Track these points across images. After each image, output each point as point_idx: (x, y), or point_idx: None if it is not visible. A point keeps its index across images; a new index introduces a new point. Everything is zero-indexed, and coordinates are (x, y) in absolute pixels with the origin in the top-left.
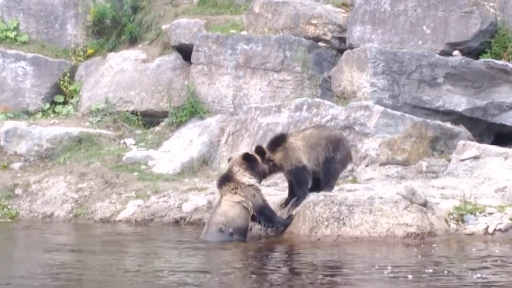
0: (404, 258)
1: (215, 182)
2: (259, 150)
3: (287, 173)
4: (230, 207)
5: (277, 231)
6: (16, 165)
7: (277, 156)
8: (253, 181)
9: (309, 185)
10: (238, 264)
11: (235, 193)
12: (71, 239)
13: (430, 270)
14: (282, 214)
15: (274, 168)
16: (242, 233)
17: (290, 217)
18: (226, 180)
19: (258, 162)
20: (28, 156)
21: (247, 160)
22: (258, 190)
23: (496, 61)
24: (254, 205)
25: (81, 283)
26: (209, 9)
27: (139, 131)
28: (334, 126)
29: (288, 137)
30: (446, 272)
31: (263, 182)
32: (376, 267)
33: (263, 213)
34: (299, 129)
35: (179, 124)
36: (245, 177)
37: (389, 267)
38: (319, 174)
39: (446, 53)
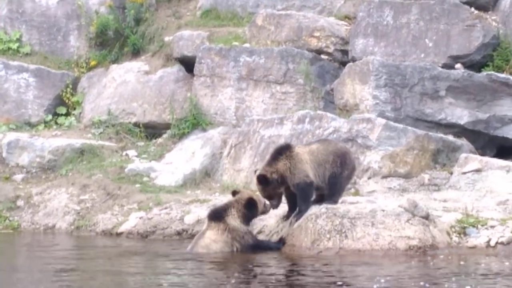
0: (402, 271)
1: (217, 194)
2: (261, 179)
3: (293, 186)
4: (213, 242)
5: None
6: (18, 177)
7: (280, 165)
8: (243, 228)
9: (312, 199)
10: (237, 276)
11: (222, 233)
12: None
13: (422, 283)
14: (284, 226)
15: (282, 179)
16: None
17: (281, 240)
18: (217, 217)
19: (257, 210)
20: (30, 168)
21: (248, 208)
22: (247, 232)
23: (498, 74)
24: (243, 246)
25: None
26: (212, 21)
27: (141, 143)
28: (337, 140)
29: (294, 147)
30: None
31: None
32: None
33: (256, 249)
34: (304, 143)
35: (182, 136)
36: (236, 222)
37: (382, 280)
38: (324, 190)
39: (448, 66)
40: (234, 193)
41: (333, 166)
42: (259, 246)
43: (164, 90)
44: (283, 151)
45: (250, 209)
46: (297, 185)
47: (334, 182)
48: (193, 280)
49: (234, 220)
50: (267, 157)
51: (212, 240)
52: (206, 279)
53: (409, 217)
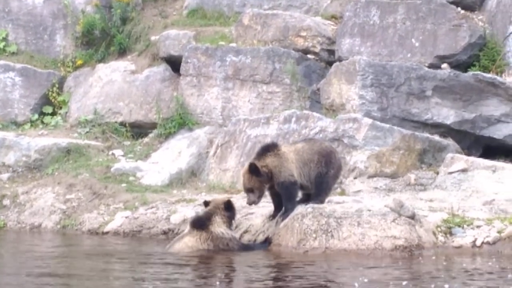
0: (386, 271)
1: (203, 194)
2: (253, 168)
3: (278, 184)
4: (188, 248)
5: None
6: (4, 176)
7: (269, 161)
8: (228, 233)
9: (297, 198)
10: (220, 277)
11: (203, 243)
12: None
13: (405, 282)
14: (270, 226)
15: (270, 175)
16: None
17: (267, 240)
18: (201, 225)
19: (235, 211)
20: (16, 167)
21: (228, 209)
22: (232, 239)
23: (485, 74)
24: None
25: None
26: (199, 20)
27: (127, 142)
28: (323, 139)
29: (281, 146)
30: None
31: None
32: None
33: (242, 251)
34: (289, 143)
35: (168, 136)
36: (221, 229)
37: (366, 280)
38: (310, 189)
39: (434, 66)
40: (206, 203)
41: (318, 165)
42: (245, 249)
43: (150, 90)
44: (270, 148)
45: (230, 210)
46: (282, 183)
47: (320, 181)
48: (177, 281)
49: (219, 227)
50: (254, 154)
51: (188, 246)
52: (191, 280)
53: (395, 217)
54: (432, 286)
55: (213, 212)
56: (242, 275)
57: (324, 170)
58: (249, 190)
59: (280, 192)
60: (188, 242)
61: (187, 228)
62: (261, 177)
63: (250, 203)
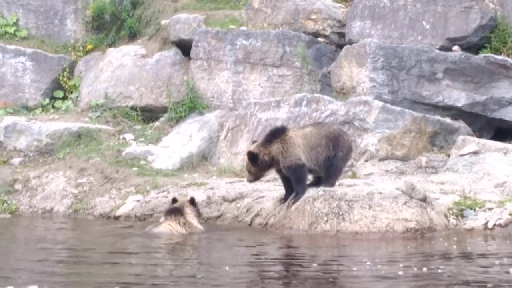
0: (394, 253)
1: (214, 178)
2: (250, 156)
3: (285, 168)
4: (168, 230)
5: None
6: (16, 161)
7: (274, 148)
8: (199, 227)
9: (308, 182)
10: (235, 257)
11: (182, 226)
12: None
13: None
14: (281, 209)
15: (272, 162)
16: None
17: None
18: (177, 212)
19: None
20: (28, 152)
21: (193, 204)
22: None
23: (496, 56)
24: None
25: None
26: (209, 4)
27: (138, 127)
28: (332, 122)
29: (289, 130)
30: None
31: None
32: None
33: None
34: (299, 126)
35: (179, 120)
36: (195, 221)
37: (369, 263)
38: (319, 173)
39: (445, 48)
40: (174, 200)
41: (326, 149)
42: None
43: (161, 74)
44: (277, 134)
45: (195, 205)
46: (289, 167)
47: (329, 164)
48: (188, 266)
49: (192, 218)
50: (262, 137)
51: (169, 229)
52: (201, 262)
53: (407, 199)
54: (441, 267)
55: (182, 205)
56: (251, 257)
57: (332, 153)
58: (249, 172)
59: (288, 175)
60: (168, 226)
61: (162, 218)
62: (257, 166)
63: (248, 181)
